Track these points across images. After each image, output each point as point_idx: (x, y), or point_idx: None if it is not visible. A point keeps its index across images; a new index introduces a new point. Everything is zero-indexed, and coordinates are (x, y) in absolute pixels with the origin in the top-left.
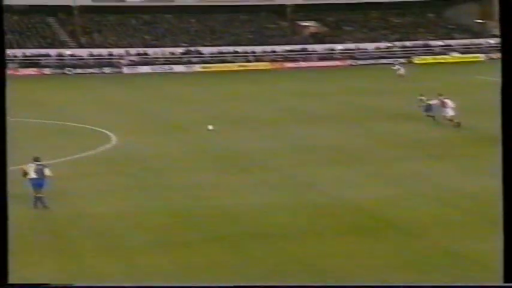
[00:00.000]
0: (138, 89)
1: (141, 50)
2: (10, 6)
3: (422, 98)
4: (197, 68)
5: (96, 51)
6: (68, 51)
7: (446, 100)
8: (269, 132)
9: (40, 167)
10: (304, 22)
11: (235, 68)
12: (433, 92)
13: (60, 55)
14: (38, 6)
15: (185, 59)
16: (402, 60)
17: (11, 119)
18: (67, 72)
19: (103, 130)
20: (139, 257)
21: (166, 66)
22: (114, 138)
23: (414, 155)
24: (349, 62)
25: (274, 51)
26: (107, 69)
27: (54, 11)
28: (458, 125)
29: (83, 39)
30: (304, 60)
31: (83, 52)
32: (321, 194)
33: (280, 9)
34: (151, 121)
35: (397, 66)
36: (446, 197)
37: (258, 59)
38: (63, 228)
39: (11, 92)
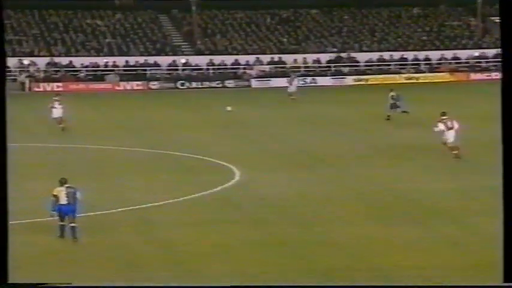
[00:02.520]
0: (270, 109)
1: (275, 57)
2: (112, 2)
3: (393, 94)
4: (349, 80)
5: (218, 59)
6: (182, 59)
7: (453, 122)
8: (452, 170)
9: (71, 190)
10: None
11: (402, 81)
12: None
13: (172, 65)
14: (147, 1)
15: (333, 69)
16: None
17: (113, 148)
18: (180, 87)
19: (224, 163)
20: None
21: (307, 79)
22: (238, 174)
23: None
24: None
25: (457, 58)
26: (230, 83)
27: (167, 8)
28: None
29: (201, 44)
30: (499, 70)
31: (201, 60)
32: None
33: (467, 1)
34: (285, 151)
35: None
36: None
37: (434, 68)
38: None
39: (112, 113)
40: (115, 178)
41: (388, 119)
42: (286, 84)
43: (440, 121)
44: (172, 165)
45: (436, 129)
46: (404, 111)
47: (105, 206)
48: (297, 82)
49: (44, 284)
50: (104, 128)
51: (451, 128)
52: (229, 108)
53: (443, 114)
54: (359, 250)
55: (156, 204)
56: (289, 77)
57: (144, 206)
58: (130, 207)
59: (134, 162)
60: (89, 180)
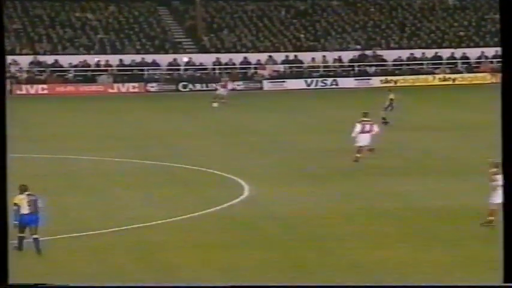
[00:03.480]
0: (284, 114)
1: (291, 55)
2: None
3: (392, 97)
4: (375, 81)
5: (225, 57)
6: (184, 58)
7: (373, 126)
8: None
9: (33, 198)
10: None
11: (436, 83)
12: None
13: (173, 64)
14: None
15: (357, 69)
16: None
17: (104, 159)
18: (182, 89)
19: (232, 176)
20: None
21: (328, 80)
22: (247, 189)
23: None
24: None
25: (500, 57)
26: (239, 85)
27: None
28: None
29: (206, 40)
30: None
31: (206, 59)
32: None
33: None
34: (300, 162)
35: None
36: None
37: (473, 68)
38: None
39: (104, 119)
40: (106, 194)
41: (385, 122)
42: (218, 87)
43: (359, 122)
44: (172, 179)
45: (354, 132)
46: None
47: (95, 225)
48: (232, 86)
49: (44, 284)
50: (95, 136)
51: (367, 132)
52: (215, 105)
53: (365, 115)
54: (385, 275)
55: (154, 223)
56: (223, 79)
57: (139, 225)
58: (124, 227)
59: (128, 175)
60: (76, 196)
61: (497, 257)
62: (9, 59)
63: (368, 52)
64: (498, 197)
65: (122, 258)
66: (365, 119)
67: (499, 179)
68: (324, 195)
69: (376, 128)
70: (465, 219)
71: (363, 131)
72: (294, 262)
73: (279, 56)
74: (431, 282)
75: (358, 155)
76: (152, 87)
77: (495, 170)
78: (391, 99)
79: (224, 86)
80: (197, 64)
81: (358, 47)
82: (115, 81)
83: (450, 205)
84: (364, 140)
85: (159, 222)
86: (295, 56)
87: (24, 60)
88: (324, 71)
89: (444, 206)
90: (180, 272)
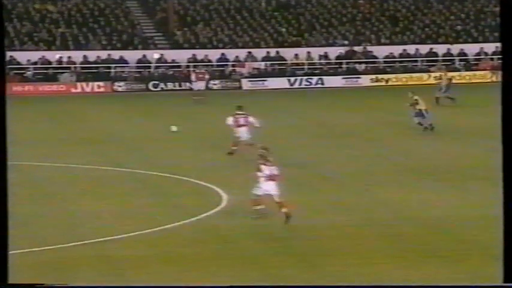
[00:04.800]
0: (264, 116)
1: (272, 51)
2: None
3: (416, 99)
4: (365, 80)
5: (200, 53)
6: (155, 54)
7: (248, 118)
8: (493, 193)
9: None
10: None
11: (431, 81)
12: None
13: (143, 61)
14: None
15: (345, 67)
16: None
17: (66, 166)
18: (152, 89)
19: (208, 184)
20: None
21: (313, 79)
22: (225, 198)
23: None
24: None
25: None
26: (216, 84)
27: None
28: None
29: (179, 35)
30: None
31: (179, 55)
32: None
33: None
34: (282, 169)
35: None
36: None
37: (472, 65)
38: None
39: (66, 121)
40: (69, 204)
41: (428, 128)
42: (194, 81)
43: (233, 116)
44: (142, 187)
45: (226, 123)
46: (430, 126)
47: (56, 239)
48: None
49: (42, 284)
50: (56, 140)
51: (242, 125)
52: (174, 129)
53: (239, 108)
54: None
55: (122, 236)
56: (198, 73)
57: (106, 238)
58: (89, 241)
59: (94, 183)
60: (34, 207)
61: (499, 273)
62: None
63: (357, 48)
64: (260, 189)
65: (86, 275)
66: (239, 112)
67: (264, 169)
68: (309, 205)
69: (251, 120)
70: (464, 232)
71: (238, 125)
72: (274, 280)
73: (260, 53)
74: None
75: (235, 148)
76: (120, 86)
77: (262, 161)
78: (416, 100)
79: (204, 78)
80: (169, 61)
81: (346, 42)
82: (78, 80)
83: (447, 216)
84: (242, 133)
85: (128, 235)
86: (277, 52)
87: None
88: (309, 68)
89: (441, 217)
90: None
